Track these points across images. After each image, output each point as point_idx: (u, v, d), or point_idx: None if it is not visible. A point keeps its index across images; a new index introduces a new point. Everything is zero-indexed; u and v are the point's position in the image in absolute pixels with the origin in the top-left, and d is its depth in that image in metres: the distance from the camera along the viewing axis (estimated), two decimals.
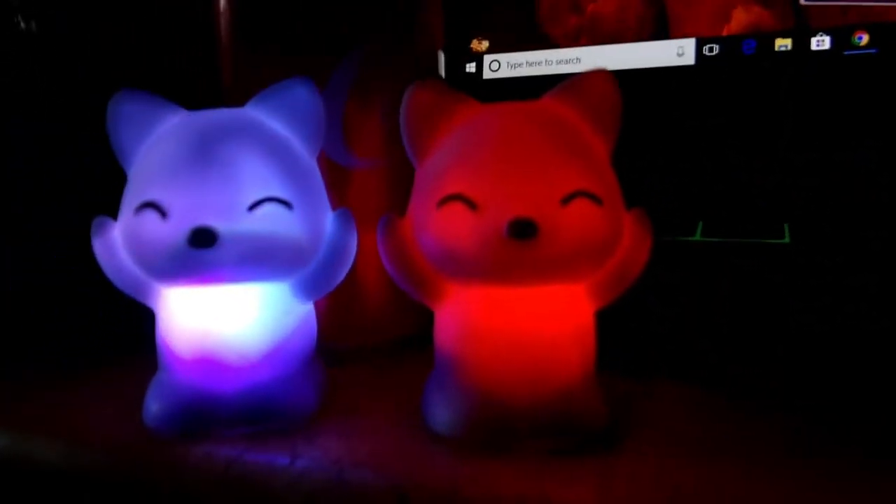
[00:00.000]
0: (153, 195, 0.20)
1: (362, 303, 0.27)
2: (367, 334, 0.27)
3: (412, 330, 0.26)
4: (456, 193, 0.19)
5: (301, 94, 0.22)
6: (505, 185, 0.19)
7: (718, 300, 0.28)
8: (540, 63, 0.54)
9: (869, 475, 0.19)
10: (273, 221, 0.21)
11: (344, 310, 0.26)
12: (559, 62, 0.53)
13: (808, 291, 0.28)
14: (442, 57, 0.30)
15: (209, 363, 0.22)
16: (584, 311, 0.21)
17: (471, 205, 0.19)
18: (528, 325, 0.20)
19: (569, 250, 0.19)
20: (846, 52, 0.46)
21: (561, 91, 0.21)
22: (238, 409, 0.22)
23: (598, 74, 0.21)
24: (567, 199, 0.19)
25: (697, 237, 0.30)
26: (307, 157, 0.22)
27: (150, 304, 0.22)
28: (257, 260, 0.21)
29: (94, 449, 0.22)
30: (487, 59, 0.55)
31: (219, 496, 0.20)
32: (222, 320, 0.22)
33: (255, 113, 0.22)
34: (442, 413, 0.21)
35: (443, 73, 0.32)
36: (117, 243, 0.22)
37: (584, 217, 0.19)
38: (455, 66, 0.55)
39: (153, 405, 0.22)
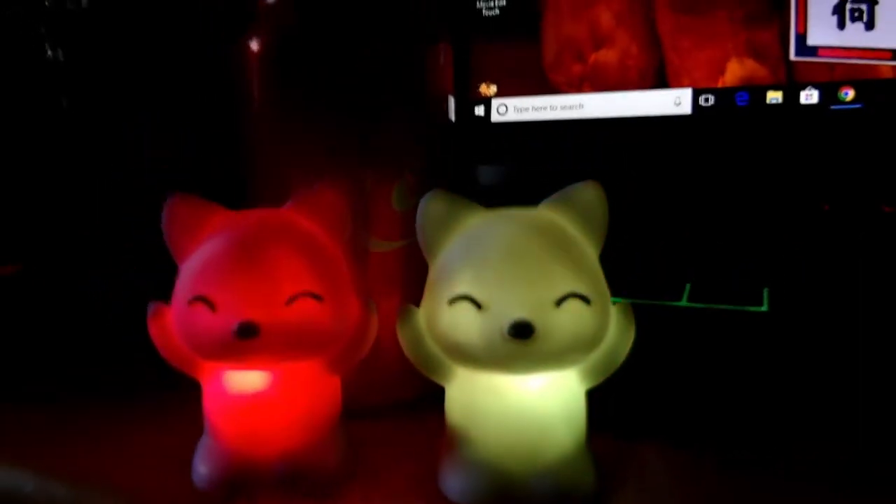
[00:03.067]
0: (203, 290, 0.24)
1: (382, 365, 0.30)
2: (387, 392, 0.31)
3: (427, 389, 0.29)
4: (464, 294, 0.23)
5: (330, 198, 0.25)
6: (507, 289, 0.22)
7: (704, 365, 0.31)
8: (545, 108, 0.57)
9: None
10: (307, 313, 0.24)
11: (366, 371, 0.29)
12: (563, 108, 0.56)
13: (785, 362, 0.30)
14: (452, 102, 0.33)
15: (249, 431, 0.25)
16: (575, 392, 0.24)
17: (477, 305, 0.22)
18: (525, 405, 0.24)
19: (561, 346, 0.22)
20: (833, 107, 0.48)
21: (556, 201, 0.24)
22: (275, 472, 0.25)
23: (589, 187, 0.24)
24: (560, 301, 0.22)
25: (684, 302, 0.33)
26: (335, 250, 0.26)
27: (199, 378, 0.26)
28: (294, 346, 0.24)
29: None
30: (495, 103, 0.58)
31: None
32: (260, 393, 0.25)
33: (290, 213, 0.25)
34: (451, 481, 0.24)
35: (452, 118, 0.35)
36: (170, 326, 0.25)
37: (575, 317, 0.22)
38: (464, 110, 0.58)
39: (201, 468, 0.26)
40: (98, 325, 0.39)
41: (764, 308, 0.32)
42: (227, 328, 0.23)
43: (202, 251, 0.25)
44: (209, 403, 0.26)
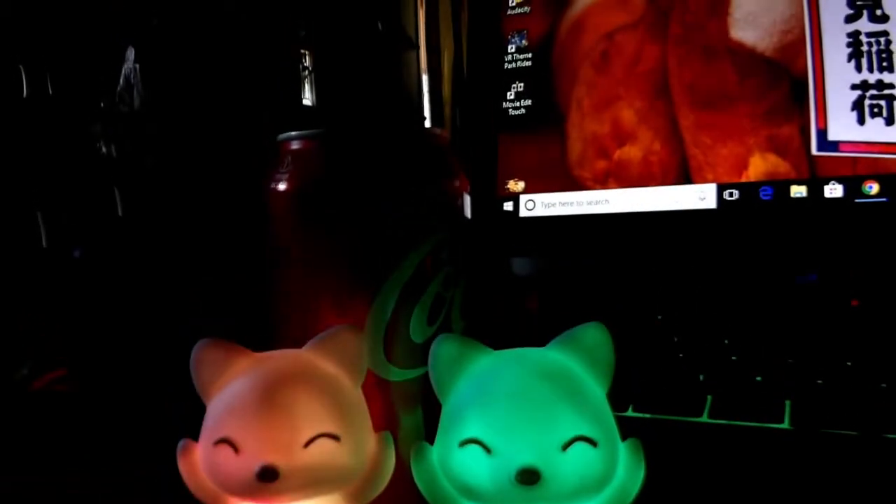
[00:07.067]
0: (227, 433, 0.25)
1: (399, 487, 0.30)
2: None
3: None
4: (473, 438, 0.23)
5: (346, 339, 0.27)
6: (514, 433, 0.23)
7: (725, 483, 0.31)
8: (571, 203, 0.58)
9: None
10: (325, 454, 0.25)
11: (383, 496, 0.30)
12: (589, 203, 0.58)
13: (806, 483, 0.30)
14: (468, 199, 0.34)
15: None
16: None
17: (486, 449, 0.23)
18: None
19: (568, 489, 0.23)
20: (857, 200, 0.48)
21: (562, 342, 0.25)
22: None
23: (594, 329, 0.25)
24: (567, 445, 0.23)
25: (704, 418, 0.34)
26: (353, 388, 0.27)
27: None
28: (313, 485, 0.25)
29: None
30: (523, 198, 0.60)
31: None
32: None
33: (309, 356, 0.27)
34: None
35: (468, 214, 0.35)
36: (198, 464, 0.26)
37: (582, 460, 0.23)
38: (487, 206, 0.59)
39: None
40: None
41: (785, 426, 0.32)
42: (250, 471, 0.24)
43: (226, 393, 0.26)
44: None
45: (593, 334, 0.25)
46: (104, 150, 0.58)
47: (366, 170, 0.30)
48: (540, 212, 0.59)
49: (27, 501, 0.37)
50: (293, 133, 0.31)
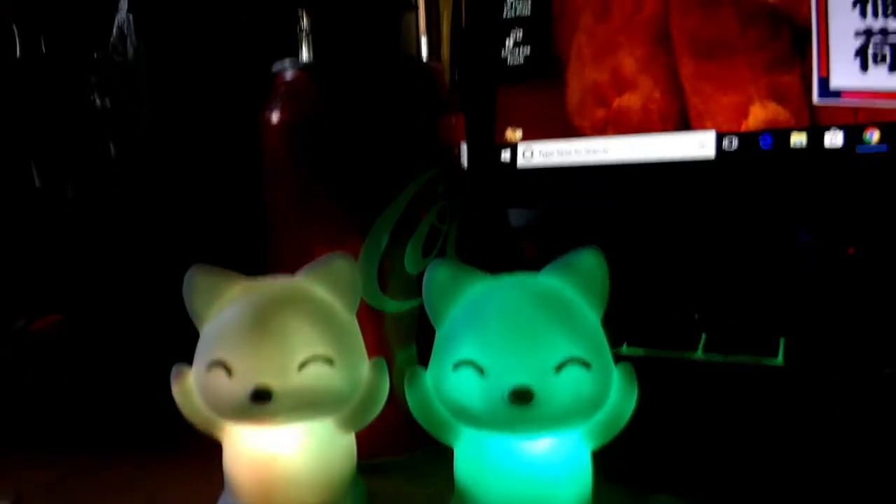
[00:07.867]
0: (221, 355, 0.25)
1: (392, 419, 0.30)
2: (399, 446, 0.31)
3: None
4: (467, 360, 0.23)
5: (341, 266, 0.27)
6: (507, 354, 0.23)
7: (718, 418, 0.31)
8: (570, 152, 0.58)
9: None
10: (318, 377, 0.25)
11: (377, 426, 0.30)
12: (588, 151, 0.57)
13: (799, 418, 0.30)
14: (464, 148, 0.34)
15: (266, 489, 0.26)
16: (580, 453, 0.25)
17: (479, 370, 0.23)
18: (530, 465, 0.24)
19: (562, 410, 0.23)
20: (859, 149, 0.48)
21: (556, 267, 0.25)
22: None
23: (589, 254, 0.25)
24: (560, 367, 0.23)
25: (699, 354, 0.34)
26: (347, 315, 0.27)
27: (219, 437, 0.27)
28: (305, 409, 0.25)
29: None
30: (521, 147, 0.59)
31: None
32: (277, 452, 0.26)
33: (303, 282, 0.27)
34: None
35: (465, 164, 0.35)
36: (192, 389, 0.26)
37: (575, 381, 0.23)
38: (484, 156, 0.59)
39: None
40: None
41: (779, 361, 0.32)
42: (243, 393, 0.24)
43: (220, 318, 0.26)
44: (229, 462, 0.27)
45: (588, 259, 0.25)
46: (98, 101, 0.57)
47: (359, 100, 0.30)
48: (538, 161, 0.58)
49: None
50: (287, 62, 0.31)
